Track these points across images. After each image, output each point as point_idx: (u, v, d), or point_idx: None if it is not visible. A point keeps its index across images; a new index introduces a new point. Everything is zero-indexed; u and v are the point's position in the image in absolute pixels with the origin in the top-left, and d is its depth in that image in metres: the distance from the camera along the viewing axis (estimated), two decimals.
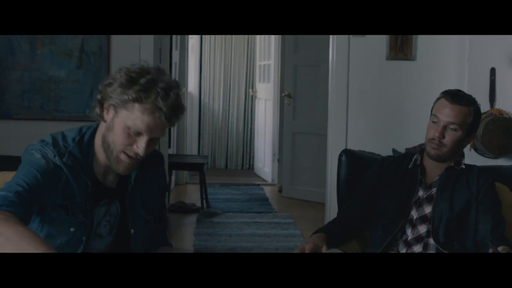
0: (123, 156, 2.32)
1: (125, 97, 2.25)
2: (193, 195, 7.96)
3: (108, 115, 2.33)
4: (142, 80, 2.25)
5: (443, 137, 3.00)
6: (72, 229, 2.36)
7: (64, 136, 2.41)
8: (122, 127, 2.28)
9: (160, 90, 2.24)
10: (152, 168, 2.57)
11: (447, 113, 2.98)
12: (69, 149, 2.35)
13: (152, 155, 2.52)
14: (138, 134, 2.28)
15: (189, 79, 9.29)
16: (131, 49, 4.89)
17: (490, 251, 2.51)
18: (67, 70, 4.91)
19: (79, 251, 2.37)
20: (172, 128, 7.76)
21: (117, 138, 2.30)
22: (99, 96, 2.35)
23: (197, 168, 7.49)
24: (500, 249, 2.55)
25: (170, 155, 6.55)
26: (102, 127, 2.38)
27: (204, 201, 7.32)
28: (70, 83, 4.92)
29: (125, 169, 2.36)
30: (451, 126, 2.99)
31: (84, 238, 2.39)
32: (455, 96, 3.01)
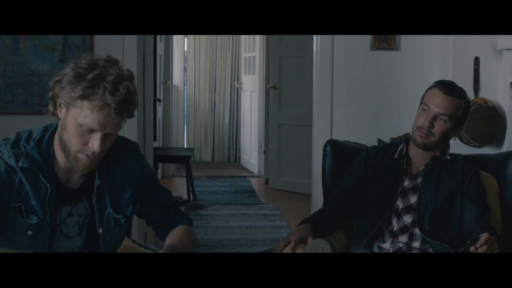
0: (81, 155, 2.27)
1: (73, 94, 2.19)
2: (179, 188, 7.95)
3: (61, 113, 2.28)
4: (89, 76, 2.19)
5: (432, 127, 3.01)
6: (30, 232, 2.32)
7: (29, 135, 2.37)
8: (74, 125, 2.22)
9: (107, 85, 2.17)
10: (122, 159, 2.50)
11: (439, 103, 2.99)
12: (27, 151, 2.31)
13: (120, 145, 2.48)
14: (91, 131, 2.22)
15: (174, 72, 9.28)
16: (115, 42, 4.85)
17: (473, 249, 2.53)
18: (51, 64, 4.87)
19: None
20: (157, 121, 7.75)
21: (71, 137, 2.25)
22: (50, 94, 2.30)
23: (183, 160, 7.48)
24: (481, 236, 2.56)
25: (155, 148, 6.53)
26: (59, 126, 2.34)
27: (191, 193, 7.32)
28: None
29: (85, 167, 2.30)
30: (441, 117, 3.00)
31: (47, 241, 2.34)
32: (448, 87, 3.02)
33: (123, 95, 2.18)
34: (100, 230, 2.44)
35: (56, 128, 2.37)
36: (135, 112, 2.34)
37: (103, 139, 2.23)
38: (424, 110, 3.03)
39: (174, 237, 2.59)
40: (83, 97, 2.18)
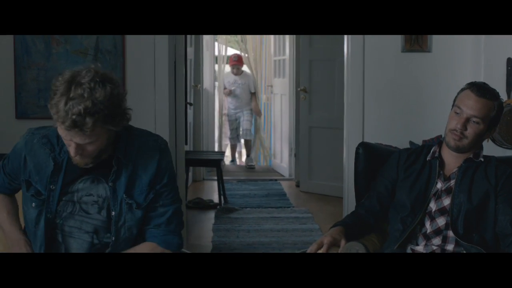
0: (71, 156, 2.54)
1: (51, 109, 2.43)
2: (210, 191, 7.97)
3: None
4: (60, 89, 2.40)
5: (465, 129, 2.98)
6: (33, 204, 2.66)
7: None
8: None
9: (66, 104, 2.37)
10: (144, 150, 2.70)
11: (471, 105, 2.97)
12: (46, 132, 2.68)
13: (146, 138, 2.74)
14: (66, 139, 2.49)
15: (204, 76, 9.29)
16: (146, 47, 4.89)
17: None
18: None
19: (41, 224, 2.64)
20: (188, 124, 7.77)
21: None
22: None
23: (214, 164, 7.49)
24: None
25: (186, 152, 6.55)
26: None
27: (222, 197, 7.33)
28: None
29: (80, 163, 2.56)
30: (474, 119, 2.97)
31: (43, 213, 2.64)
32: (481, 89, 2.99)
33: (75, 115, 2.36)
34: (113, 213, 2.66)
35: None
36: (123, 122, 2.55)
37: (79, 147, 2.47)
38: (457, 113, 3.00)
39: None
40: (51, 108, 2.43)
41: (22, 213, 2.80)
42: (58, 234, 2.67)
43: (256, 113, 10.73)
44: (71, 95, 2.37)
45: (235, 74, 10.41)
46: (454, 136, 3.00)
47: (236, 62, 10.36)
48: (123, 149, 2.64)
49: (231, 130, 10.65)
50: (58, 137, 2.60)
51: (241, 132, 10.55)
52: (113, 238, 2.66)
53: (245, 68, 10.84)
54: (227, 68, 10.86)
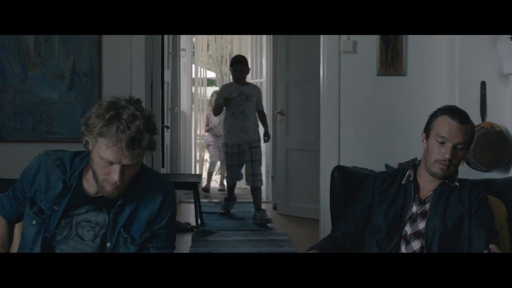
0: (105, 184, 2.58)
1: (94, 132, 2.50)
2: (187, 213, 7.94)
3: (90, 147, 2.60)
4: (107, 116, 2.48)
5: (453, 157, 3.00)
6: (34, 222, 2.68)
7: (76, 151, 2.77)
8: (98, 158, 2.54)
9: (120, 124, 2.46)
10: (149, 189, 2.73)
11: (456, 133, 2.98)
12: (61, 156, 2.72)
13: (153, 177, 2.78)
14: (111, 163, 2.52)
15: (182, 98, 9.29)
16: (123, 69, 4.90)
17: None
18: (59, 92, 4.92)
19: (38, 242, 2.66)
20: (166, 147, 7.76)
21: (97, 168, 2.57)
22: (82, 129, 2.58)
23: (191, 187, 7.47)
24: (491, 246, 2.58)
25: (163, 175, 6.54)
26: (90, 156, 2.64)
27: (199, 219, 7.31)
28: (63, 104, 4.92)
29: (110, 194, 2.59)
30: (459, 146, 2.99)
31: (42, 232, 2.66)
32: (461, 115, 3.01)
33: (133, 133, 2.46)
34: (108, 244, 2.68)
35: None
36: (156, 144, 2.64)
37: (122, 170, 2.53)
38: (440, 142, 3.01)
39: None
40: (100, 134, 2.48)
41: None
42: None
43: (267, 139, 8.03)
44: (123, 116, 2.46)
45: (239, 83, 7.51)
46: (442, 166, 3.01)
47: (238, 61, 7.58)
48: (132, 185, 2.67)
49: (229, 166, 7.73)
50: (72, 161, 2.70)
51: (250, 177, 7.58)
52: None
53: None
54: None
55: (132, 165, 2.54)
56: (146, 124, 2.50)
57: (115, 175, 2.53)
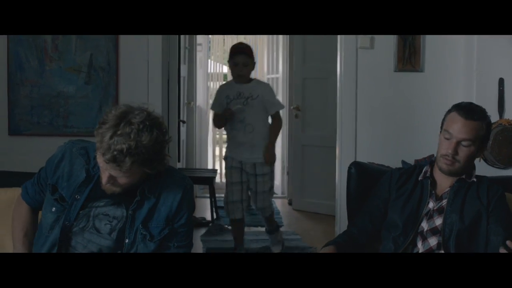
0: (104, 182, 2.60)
1: (96, 137, 2.50)
2: (203, 208, 7.95)
3: None
4: (107, 125, 2.47)
5: (457, 154, 2.98)
6: (53, 209, 2.69)
7: None
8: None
9: (109, 139, 2.44)
10: (169, 187, 2.73)
11: (460, 129, 2.97)
12: (86, 145, 2.74)
13: (172, 175, 2.77)
14: (101, 168, 2.56)
15: (198, 93, 9.29)
16: (139, 64, 4.90)
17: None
18: (76, 86, 4.92)
19: (55, 230, 2.67)
20: (181, 142, 7.77)
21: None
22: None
23: (206, 181, 7.48)
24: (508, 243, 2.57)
25: (179, 169, 6.54)
26: None
27: (214, 214, 7.31)
28: (79, 98, 4.93)
29: (110, 191, 2.63)
30: (464, 143, 2.97)
31: (61, 220, 2.67)
32: (468, 111, 2.99)
33: (114, 151, 2.43)
34: (127, 240, 2.68)
35: None
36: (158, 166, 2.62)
37: (110, 177, 2.54)
38: (446, 138, 3.01)
39: None
40: (95, 136, 2.50)
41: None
42: (67, 245, 2.70)
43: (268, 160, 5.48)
44: (119, 131, 2.44)
45: (239, 81, 5.42)
46: (446, 161, 3.01)
47: (241, 51, 5.43)
48: (149, 182, 2.67)
49: (229, 184, 5.59)
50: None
51: (257, 205, 5.61)
52: None
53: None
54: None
55: (122, 177, 2.54)
56: (135, 149, 2.44)
57: (103, 179, 2.57)
